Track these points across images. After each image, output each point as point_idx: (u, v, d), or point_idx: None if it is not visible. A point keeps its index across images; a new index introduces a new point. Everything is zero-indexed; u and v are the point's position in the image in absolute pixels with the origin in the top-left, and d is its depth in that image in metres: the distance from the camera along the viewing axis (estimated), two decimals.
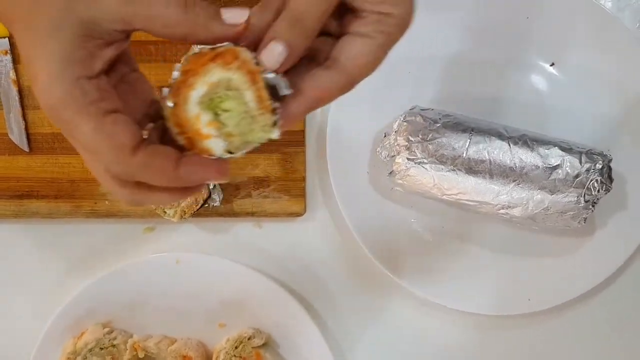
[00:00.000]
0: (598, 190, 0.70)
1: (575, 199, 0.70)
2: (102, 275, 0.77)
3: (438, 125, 0.72)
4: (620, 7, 0.78)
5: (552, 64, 0.78)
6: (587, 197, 0.70)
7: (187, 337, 0.79)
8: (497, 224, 0.78)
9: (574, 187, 0.70)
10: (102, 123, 0.38)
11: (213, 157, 0.41)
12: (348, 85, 0.43)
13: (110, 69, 0.41)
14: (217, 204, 0.77)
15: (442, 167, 0.72)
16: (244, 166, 0.78)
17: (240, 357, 0.76)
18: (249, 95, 0.40)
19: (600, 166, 0.70)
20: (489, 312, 0.78)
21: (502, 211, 0.73)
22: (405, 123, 0.73)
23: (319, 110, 0.79)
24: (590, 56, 0.77)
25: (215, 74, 0.39)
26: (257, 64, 0.40)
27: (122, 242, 0.81)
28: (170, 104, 0.40)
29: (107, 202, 0.79)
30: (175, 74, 0.40)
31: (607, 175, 0.71)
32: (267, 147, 0.77)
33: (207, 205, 0.77)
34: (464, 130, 0.72)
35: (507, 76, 0.79)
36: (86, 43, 0.39)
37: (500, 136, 0.72)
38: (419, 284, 0.77)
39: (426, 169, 0.72)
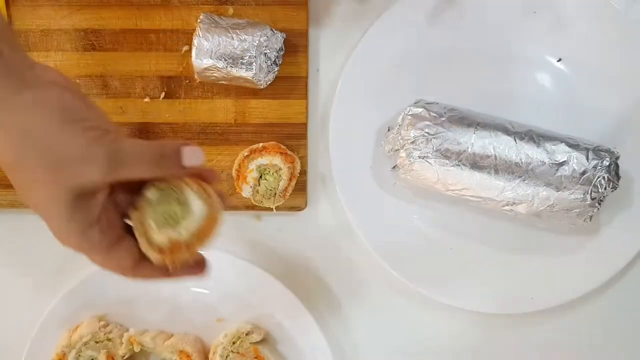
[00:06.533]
0: (605, 188, 0.69)
1: (582, 196, 0.69)
2: (98, 268, 0.76)
3: (443, 119, 0.71)
4: (629, 3, 0.77)
5: (559, 60, 0.77)
6: (593, 195, 0.69)
7: (183, 332, 0.78)
8: (501, 221, 0.77)
9: (580, 184, 0.69)
10: (108, 256, 0.50)
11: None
12: None
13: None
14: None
15: (447, 162, 0.71)
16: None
17: (238, 352, 0.75)
18: (282, 184, 0.68)
19: (608, 163, 0.69)
20: (491, 311, 0.77)
21: (506, 208, 0.72)
22: (409, 117, 0.72)
23: (321, 102, 0.78)
24: (598, 52, 0.76)
25: (276, 159, 0.73)
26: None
27: None
28: (246, 153, 0.71)
29: None
30: (260, 145, 0.72)
31: (614, 173, 0.70)
32: (268, 139, 0.76)
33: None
34: (469, 125, 0.71)
35: (513, 71, 0.78)
36: (80, 203, 0.46)
37: (506, 131, 0.71)
38: (420, 280, 0.76)
39: (430, 163, 0.71)
